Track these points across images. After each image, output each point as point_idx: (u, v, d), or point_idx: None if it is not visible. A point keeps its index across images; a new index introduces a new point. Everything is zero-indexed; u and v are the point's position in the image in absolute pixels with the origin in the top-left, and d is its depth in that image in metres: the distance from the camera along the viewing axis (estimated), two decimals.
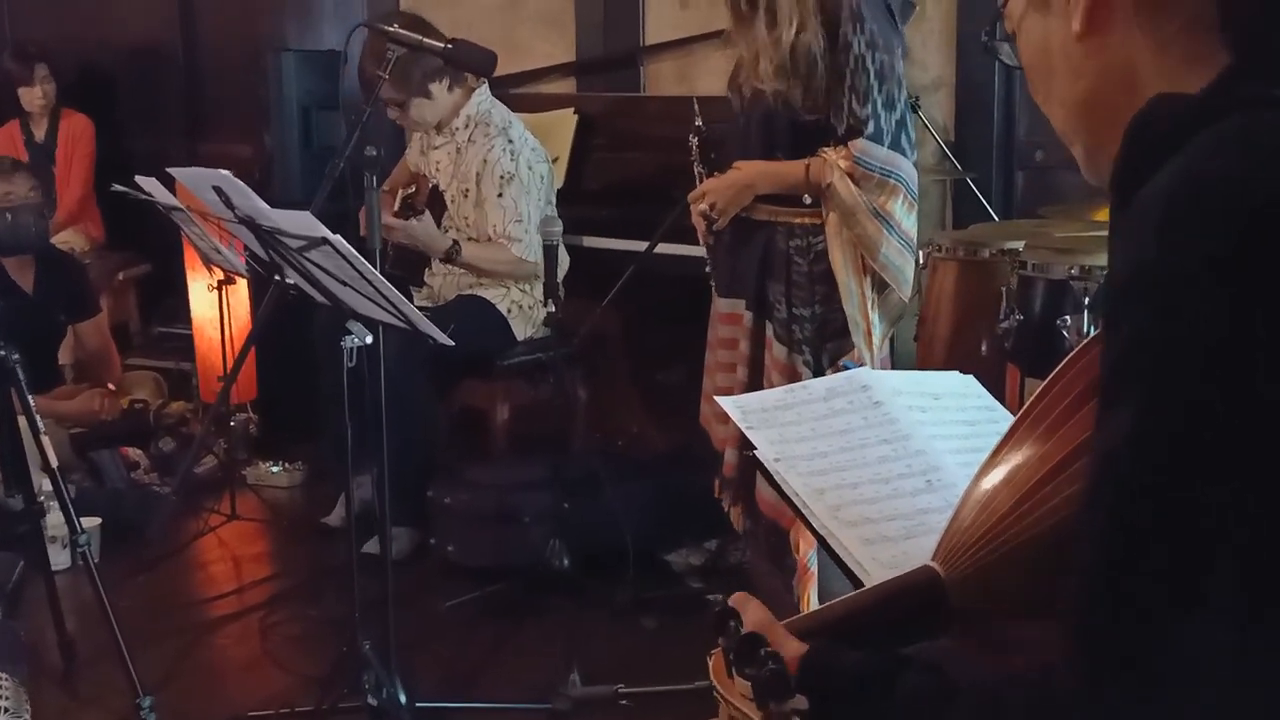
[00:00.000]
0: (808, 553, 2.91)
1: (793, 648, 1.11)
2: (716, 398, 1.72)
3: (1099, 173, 1.06)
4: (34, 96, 5.52)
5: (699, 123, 3.13)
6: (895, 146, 2.87)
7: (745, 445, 1.54)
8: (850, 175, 2.85)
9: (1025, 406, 1.15)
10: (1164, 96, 0.95)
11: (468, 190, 4.00)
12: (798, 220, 2.96)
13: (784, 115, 2.90)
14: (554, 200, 4.09)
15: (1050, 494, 1.10)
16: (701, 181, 3.07)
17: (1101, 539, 0.90)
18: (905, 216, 2.93)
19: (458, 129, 4.03)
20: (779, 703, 1.08)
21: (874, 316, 2.98)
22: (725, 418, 3.06)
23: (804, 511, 1.45)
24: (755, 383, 3.04)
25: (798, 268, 2.97)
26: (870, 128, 2.83)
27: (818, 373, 2.97)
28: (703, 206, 3.03)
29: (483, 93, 4.03)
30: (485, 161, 3.94)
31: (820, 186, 2.88)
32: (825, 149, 2.87)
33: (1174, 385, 0.86)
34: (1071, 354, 1.12)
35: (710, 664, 1.22)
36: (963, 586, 1.15)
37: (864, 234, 2.89)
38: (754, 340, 3.05)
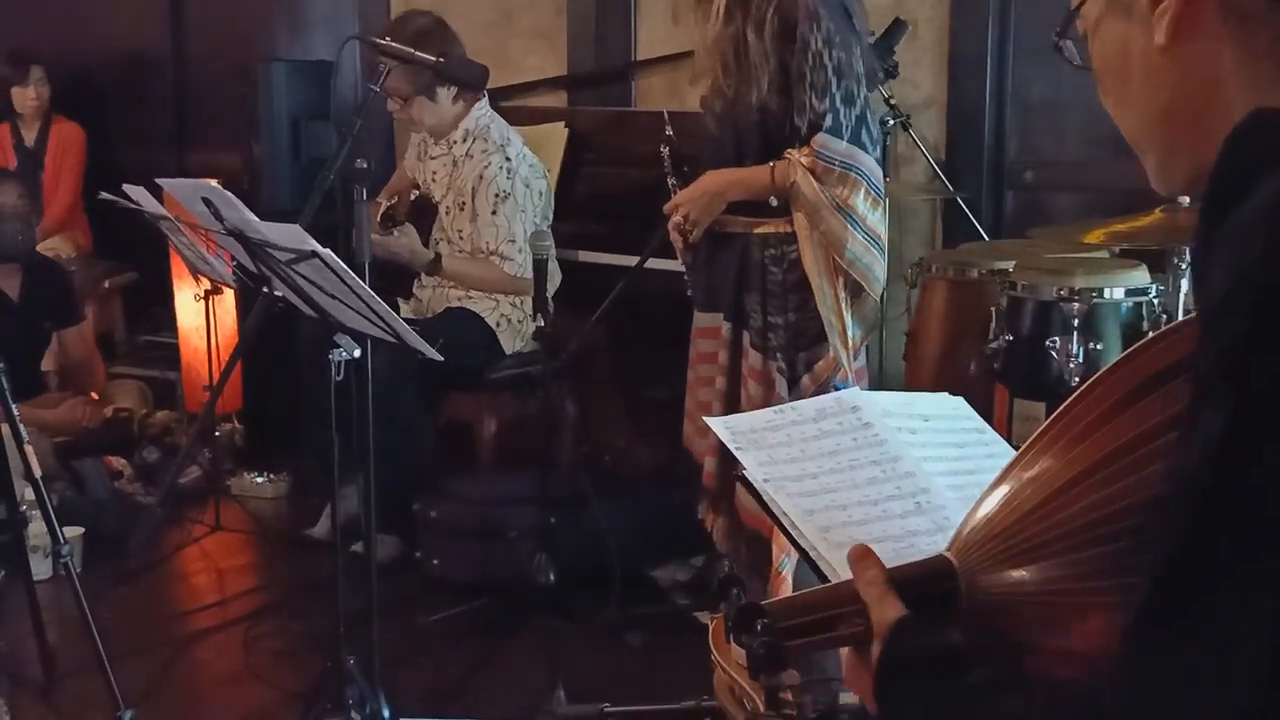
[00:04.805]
0: (780, 557, 2.91)
1: (890, 613, 1.09)
2: (706, 419, 1.72)
3: (1170, 182, 1.04)
4: (27, 97, 5.50)
5: (669, 132, 3.15)
6: (855, 141, 2.92)
7: (733, 465, 1.53)
8: (812, 171, 2.89)
9: (1061, 409, 1.13)
10: (1263, 111, 0.91)
11: (463, 204, 3.98)
12: (771, 230, 2.99)
13: (753, 127, 2.93)
14: (550, 216, 4.08)
15: (1075, 498, 1.08)
16: (675, 194, 3.10)
17: (1170, 559, 0.85)
18: (870, 212, 2.95)
19: (455, 141, 4.02)
20: (770, 676, 1.10)
21: (848, 318, 3.00)
22: (706, 430, 3.08)
23: (793, 533, 1.44)
24: (733, 391, 3.07)
25: (772, 277, 3.00)
26: (829, 121, 2.88)
27: (792, 380, 3.01)
28: (677, 218, 3.06)
29: (482, 106, 4.02)
30: (481, 177, 3.92)
31: (786, 187, 2.92)
32: (790, 150, 2.92)
33: (1269, 388, 0.82)
34: (1114, 361, 1.10)
35: (711, 628, 1.24)
36: (974, 579, 1.15)
37: (829, 231, 2.92)
38: (732, 350, 3.08)
